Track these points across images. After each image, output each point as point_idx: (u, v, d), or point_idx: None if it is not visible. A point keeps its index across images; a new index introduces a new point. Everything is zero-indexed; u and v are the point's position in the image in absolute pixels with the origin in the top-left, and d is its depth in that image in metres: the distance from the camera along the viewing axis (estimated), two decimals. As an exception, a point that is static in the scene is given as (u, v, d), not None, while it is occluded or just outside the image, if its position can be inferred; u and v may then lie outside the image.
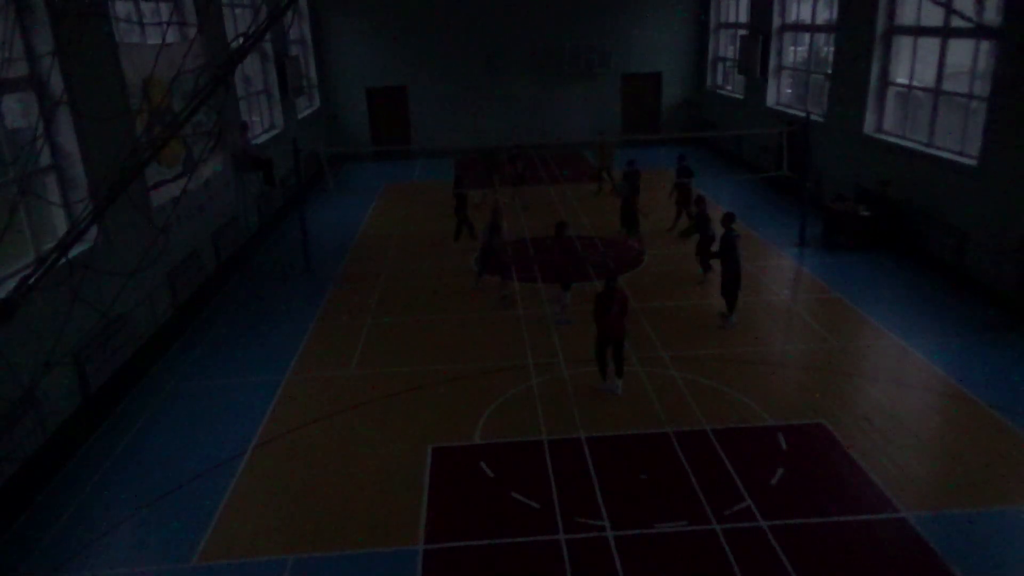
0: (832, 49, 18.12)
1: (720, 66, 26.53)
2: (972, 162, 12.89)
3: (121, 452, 9.04)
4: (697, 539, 7.17)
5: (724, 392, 9.80)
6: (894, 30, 15.59)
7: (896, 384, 9.92)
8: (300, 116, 22.91)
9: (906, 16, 15.32)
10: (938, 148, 14.16)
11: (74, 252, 9.24)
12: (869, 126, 16.19)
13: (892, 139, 15.53)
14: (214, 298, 13.78)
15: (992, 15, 12.64)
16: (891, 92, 15.92)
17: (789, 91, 21.56)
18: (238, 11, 18.22)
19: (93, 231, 10.11)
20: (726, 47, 25.99)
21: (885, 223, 14.81)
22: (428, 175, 24.22)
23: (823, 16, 19.46)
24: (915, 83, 15.16)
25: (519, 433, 9.06)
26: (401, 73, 26.64)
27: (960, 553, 6.82)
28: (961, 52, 13.80)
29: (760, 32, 21.64)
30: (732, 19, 25.14)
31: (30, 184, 9.15)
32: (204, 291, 13.49)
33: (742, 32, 23.49)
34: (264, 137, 19.12)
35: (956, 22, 13.43)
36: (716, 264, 12.34)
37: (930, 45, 14.50)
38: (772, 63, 21.35)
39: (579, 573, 6.81)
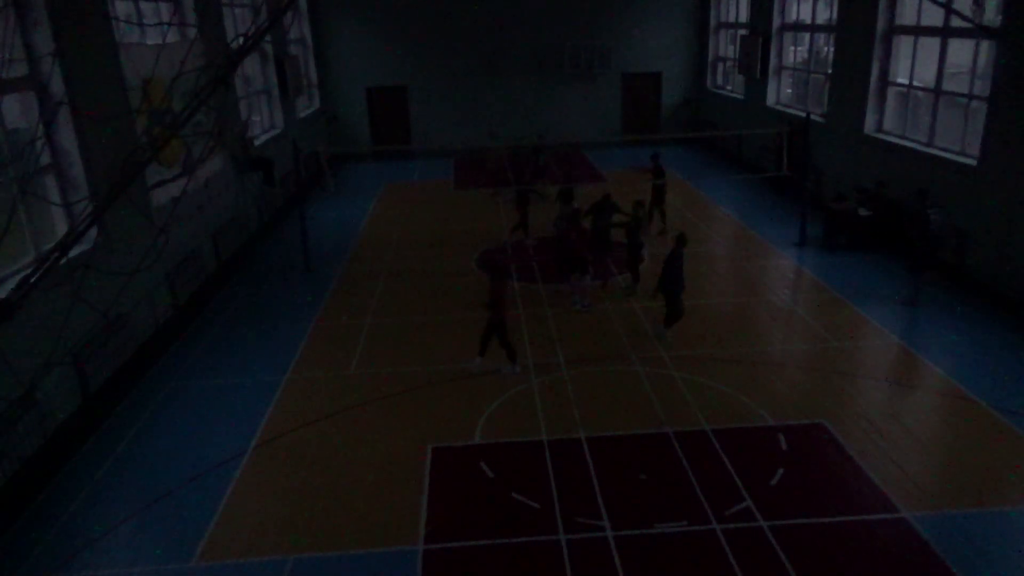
0: (832, 49, 18.13)
1: (720, 66, 26.54)
2: (972, 162, 12.89)
3: (121, 452, 9.04)
4: (697, 539, 7.17)
5: (724, 392, 9.80)
6: (894, 30, 15.60)
7: (896, 384, 9.93)
8: (300, 116, 22.92)
9: (906, 16, 15.33)
10: (938, 148, 14.17)
11: (74, 252, 9.24)
12: (869, 126, 16.20)
13: (892, 139, 15.53)
14: (214, 298, 13.78)
15: (992, 15, 12.65)
16: (891, 92, 15.93)
17: (789, 91, 21.56)
18: (238, 11, 18.22)
19: (93, 231, 10.12)
20: (726, 47, 25.99)
21: (883, 223, 14.81)
22: (428, 175, 24.22)
23: (823, 16, 19.47)
24: (915, 83, 15.17)
25: (519, 433, 9.06)
26: (401, 73, 26.63)
27: (960, 553, 6.82)
28: (961, 52, 13.81)
29: (760, 32, 21.65)
30: (732, 19, 25.15)
31: (30, 184, 9.15)
32: (204, 291, 13.49)
33: (742, 32, 23.50)
34: (264, 137, 19.12)
35: (956, 22, 13.44)
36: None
37: (930, 45, 14.50)
38: (772, 63, 21.36)
39: (579, 573, 6.81)
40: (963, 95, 13.65)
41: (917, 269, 12.48)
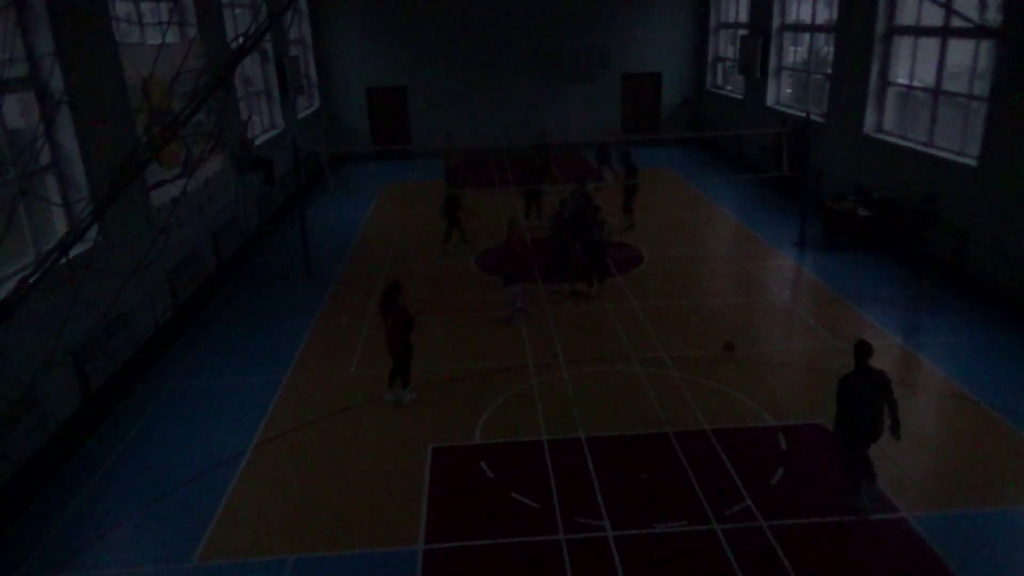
0: (832, 49, 18.13)
1: (720, 66, 26.54)
2: (972, 162, 12.89)
3: (121, 452, 9.04)
4: (697, 539, 7.17)
5: (724, 392, 9.80)
6: (894, 30, 15.59)
7: (896, 384, 9.89)
8: (300, 116, 22.91)
9: (906, 16, 15.32)
10: (938, 148, 14.16)
11: (74, 252, 9.24)
12: (869, 126, 16.19)
13: (892, 139, 15.53)
14: (214, 298, 13.78)
15: (992, 15, 12.64)
16: (891, 92, 15.92)
17: (789, 91, 21.56)
18: (238, 11, 18.23)
19: (93, 231, 10.11)
20: (726, 47, 26.00)
21: (885, 224, 14.81)
22: (428, 175, 24.21)
23: (823, 16, 19.47)
24: (915, 83, 15.17)
25: (519, 433, 9.06)
26: (401, 73, 26.64)
27: (960, 553, 6.81)
28: (961, 52, 13.81)
29: (760, 32, 21.65)
30: (732, 19, 25.15)
31: (30, 184, 9.15)
32: (204, 291, 13.49)
33: (742, 32, 23.50)
34: (264, 137, 19.12)
35: (956, 22, 13.44)
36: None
37: (930, 45, 14.50)
38: (772, 63, 21.36)
39: (579, 573, 6.81)
40: (963, 95, 13.65)
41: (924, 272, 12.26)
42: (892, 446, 8.43)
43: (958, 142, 13.61)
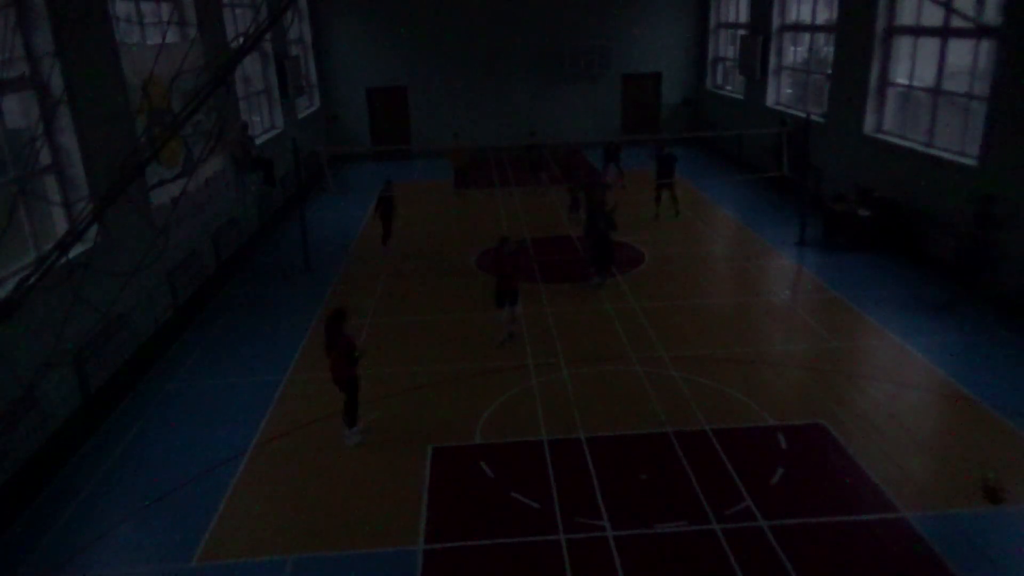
0: (832, 49, 18.13)
1: (720, 66, 26.54)
2: (972, 162, 12.89)
3: (121, 452, 9.04)
4: (697, 539, 7.17)
5: (724, 392, 9.80)
6: (894, 30, 15.59)
7: (896, 384, 9.92)
8: (300, 116, 22.91)
9: (906, 16, 15.32)
10: (938, 148, 14.16)
11: (74, 252, 9.24)
12: (869, 126, 16.19)
13: (892, 139, 15.53)
14: (214, 298, 13.78)
15: (992, 15, 12.64)
16: (891, 92, 15.92)
17: (789, 91, 21.56)
18: (238, 11, 18.23)
19: (93, 231, 10.12)
20: (726, 47, 26.00)
21: (886, 224, 14.80)
22: (428, 175, 24.22)
23: (823, 16, 19.48)
24: (915, 83, 15.16)
25: (519, 433, 9.06)
26: (401, 73, 26.64)
27: (960, 553, 6.81)
28: (961, 52, 13.81)
29: (760, 32, 21.65)
30: (732, 19, 25.15)
31: (30, 184, 9.15)
32: (204, 291, 13.49)
33: (742, 32, 23.50)
34: (264, 137, 19.12)
35: (956, 22, 13.44)
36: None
37: (930, 45, 14.50)
38: (772, 63, 21.36)
39: (579, 573, 6.81)
40: (963, 95, 13.65)
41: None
42: (892, 446, 8.45)
43: (958, 142, 13.61)
